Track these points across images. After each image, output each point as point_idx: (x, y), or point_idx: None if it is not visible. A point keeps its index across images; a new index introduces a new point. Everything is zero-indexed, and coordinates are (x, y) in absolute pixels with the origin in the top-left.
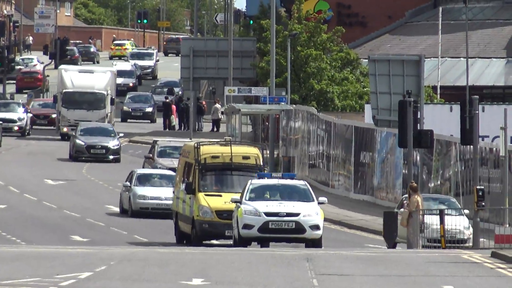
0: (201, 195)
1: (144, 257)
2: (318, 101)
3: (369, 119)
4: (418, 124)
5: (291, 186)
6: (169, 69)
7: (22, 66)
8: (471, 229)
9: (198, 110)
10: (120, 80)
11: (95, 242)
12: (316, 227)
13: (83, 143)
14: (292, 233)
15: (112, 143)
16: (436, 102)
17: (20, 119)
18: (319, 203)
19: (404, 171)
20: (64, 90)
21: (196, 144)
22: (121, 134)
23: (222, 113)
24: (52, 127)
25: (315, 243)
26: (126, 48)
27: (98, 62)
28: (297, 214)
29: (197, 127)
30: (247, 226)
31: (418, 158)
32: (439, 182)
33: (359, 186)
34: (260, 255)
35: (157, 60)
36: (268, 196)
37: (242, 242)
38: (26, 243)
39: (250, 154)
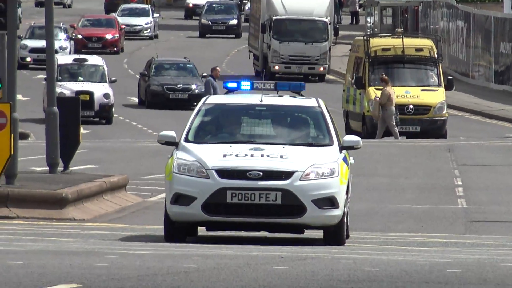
0: (371, 89)
1: None
2: None
3: (508, 9)
4: None
5: (289, 109)
6: None
7: None
8: None
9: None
10: None
11: None
12: (330, 201)
13: None
14: (274, 215)
15: None
16: None
17: (62, 48)
18: (343, 147)
19: None
20: (274, 17)
21: (365, 37)
22: None
23: (360, 6)
24: (107, 52)
25: (330, 234)
26: None
27: None
28: (288, 174)
29: (336, 19)
30: (180, 199)
31: None
32: None
33: (500, 77)
34: (400, 146)
35: None
36: (237, 132)
37: (171, 230)
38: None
39: (423, 46)
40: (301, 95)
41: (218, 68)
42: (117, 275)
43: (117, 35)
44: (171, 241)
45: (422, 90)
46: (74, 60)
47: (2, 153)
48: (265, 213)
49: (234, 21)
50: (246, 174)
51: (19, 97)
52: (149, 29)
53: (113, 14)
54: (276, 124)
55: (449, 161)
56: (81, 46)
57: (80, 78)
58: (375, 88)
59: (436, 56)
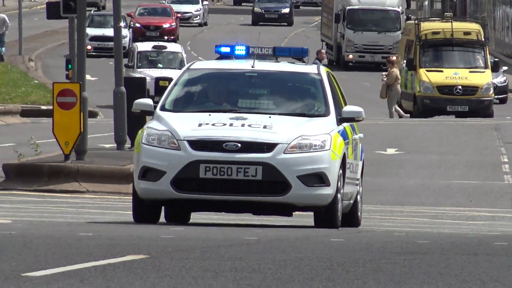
0: (422, 71)
1: None
2: None
3: None
4: None
5: (283, 76)
6: None
7: None
8: None
9: None
10: None
11: None
12: (318, 177)
13: None
14: (254, 193)
15: None
16: None
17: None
18: (343, 118)
19: None
20: (348, 7)
21: (416, 21)
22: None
23: None
24: (164, 40)
25: (321, 217)
26: None
27: None
28: (270, 146)
29: None
30: (148, 173)
31: None
32: None
33: None
34: (449, 125)
35: None
36: (220, 100)
37: (140, 209)
38: None
39: (471, 30)
40: (303, 62)
41: (323, 50)
42: (182, 247)
43: (174, 23)
44: (140, 222)
45: (470, 71)
46: (154, 47)
47: (73, 131)
48: (243, 190)
49: (287, 10)
50: (222, 146)
51: (88, 77)
52: (198, 16)
53: (164, 1)
54: (267, 92)
55: (496, 139)
56: (139, 34)
57: (159, 65)
58: (426, 70)
59: (483, 39)
